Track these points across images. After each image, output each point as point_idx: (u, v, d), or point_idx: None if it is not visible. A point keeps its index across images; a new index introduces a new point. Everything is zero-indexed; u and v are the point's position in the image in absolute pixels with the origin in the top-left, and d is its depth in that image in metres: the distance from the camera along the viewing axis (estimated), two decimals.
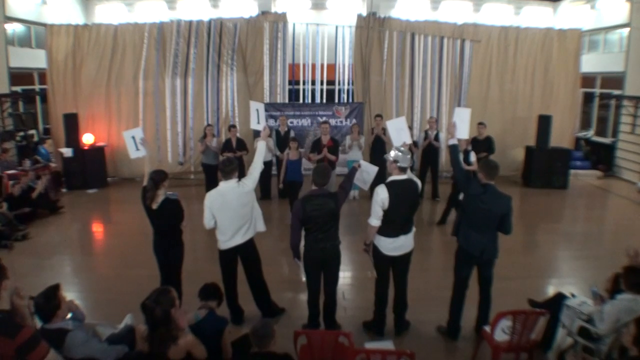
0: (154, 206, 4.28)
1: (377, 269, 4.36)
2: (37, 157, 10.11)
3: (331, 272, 4.32)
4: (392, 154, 4.18)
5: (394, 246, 4.20)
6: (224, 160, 4.55)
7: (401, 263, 4.32)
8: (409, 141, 4.90)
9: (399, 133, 4.89)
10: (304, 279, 4.49)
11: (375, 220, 4.13)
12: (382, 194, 4.04)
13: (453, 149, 4.47)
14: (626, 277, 3.59)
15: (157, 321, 2.87)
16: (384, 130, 9.27)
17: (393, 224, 4.13)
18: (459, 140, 4.60)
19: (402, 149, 4.27)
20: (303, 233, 4.21)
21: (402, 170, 4.15)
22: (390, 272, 4.36)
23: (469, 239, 4.16)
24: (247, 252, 4.55)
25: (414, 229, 4.29)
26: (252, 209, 4.45)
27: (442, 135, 9.65)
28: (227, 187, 4.32)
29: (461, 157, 7.89)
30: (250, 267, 4.63)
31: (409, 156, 4.19)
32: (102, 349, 3.08)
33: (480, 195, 4.05)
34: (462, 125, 4.63)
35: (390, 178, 4.16)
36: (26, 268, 6.15)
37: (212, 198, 4.33)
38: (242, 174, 4.62)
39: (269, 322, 2.99)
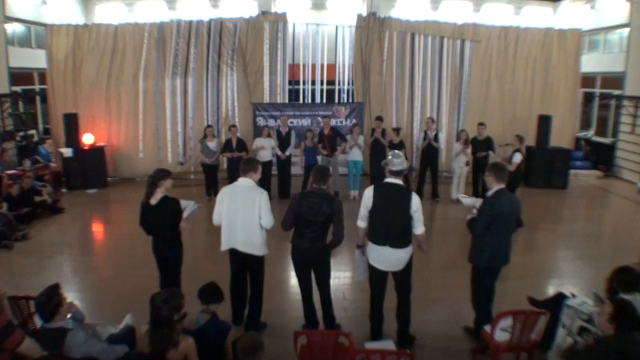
0: (153, 202, 4.27)
1: (369, 279, 4.26)
2: (37, 157, 10.09)
3: (319, 272, 4.34)
4: (387, 157, 4.13)
5: (379, 258, 4.02)
6: (247, 159, 4.51)
7: (397, 279, 4.16)
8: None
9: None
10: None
11: (360, 222, 4.12)
12: (367, 193, 4.04)
13: (471, 222, 4.18)
14: (617, 278, 3.64)
15: (161, 321, 2.88)
16: (384, 131, 9.30)
17: (378, 229, 3.99)
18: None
19: (396, 152, 4.20)
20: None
21: (394, 173, 4.02)
22: (382, 286, 4.18)
23: (497, 255, 4.04)
24: (251, 265, 4.45)
25: (407, 248, 4.00)
26: (258, 213, 4.25)
27: (442, 136, 9.63)
28: (241, 183, 4.29)
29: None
30: (251, 274, 4.55)
31: (399, 160, 4.03)
32: (102, 348, 3.09)
33: (502, 203, 3.94)
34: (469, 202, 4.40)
35: (384, 180, 4.12)
36: (26, 268, 6.16)
37: (224, 192, 4.32)
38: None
39: (255, 335, 2.87)
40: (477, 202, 4.30)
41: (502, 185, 4.00)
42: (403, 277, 4.13)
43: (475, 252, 4.11)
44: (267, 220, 4.25)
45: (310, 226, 4.13)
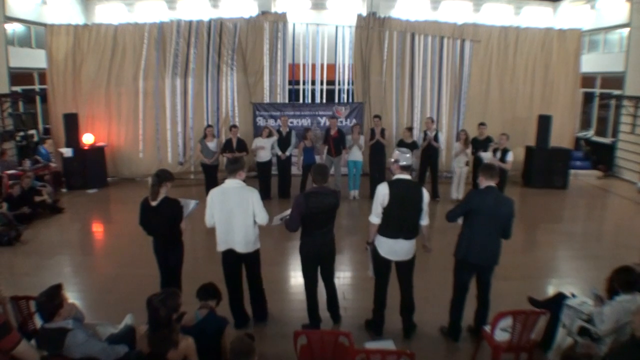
0: (153, 203, 4.27)
1: (375, 270, 4.39)
2: (37, 157, 10.10)
3: (328, 266, 4.44)
4: (394, 154, 4.26)
5: (393, 250, 4.19)
6: (231, 159, 4.51)
7: (402, 268, 4.33)
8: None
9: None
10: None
11: (374, 218, 4.19)
12: (382, 190, 4.11)
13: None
14: (617, 278, 3.65)
15: (160, 322, 2.88)
16: (383, 131, 9.31)
17: (393, 223, 4.13)
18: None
19: (402, 148, 4.35)
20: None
21: (404, 169, 4.18)
22: (388, 275, 4.37)
23: (472, 250, 4.12)
24: (249, 261, 4.48)
25: (415, 238, 4.26)
26: (252, 213, 4.30)
27: (442, 136, 9.62)
28: (230, 184, 4.30)
29: (498, 154, 8.24)
30: (249, 271, 4.58)
31: (408, 155, 4.21)
32: (102, 348, 3.09)
33: (486, 198, 4.04)
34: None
35: (394, 177, 4.23)
36: (26, 268, 6.16)
37: (213, 195, 4.31)
38: None
39: (247, 339, 2.88)
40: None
41: (491, 184, 4.11)
42: (409, 266, 4.34)
43: (457, 243, 4.29)
44: (263, 217, 4.33)
45: (320, 223, 4.19)
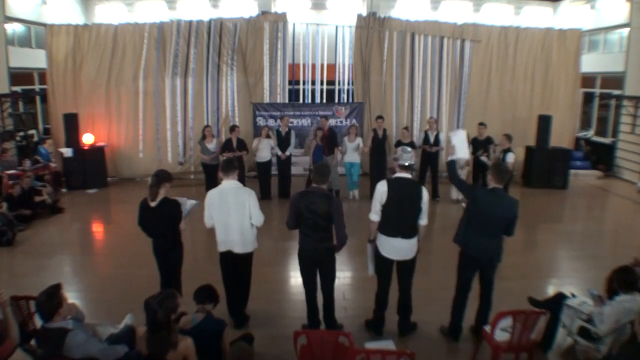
0: (153, 204, 4.27)
1: (377, 269, 4.39)
2: (37, 157, 10.10)
3: (326, 272, 4.34)
4: (397, 152, 4.29)
5: (392, 248, 4.19)
6: (225, 160, 4.53)
7: (402, 268, 4.32)
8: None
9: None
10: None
11: (373, 215, 4.23)
12: (381, 188, 4.15)
13: (450, 165, 4.48)
14: (617, 278, 3.66)
15: (158, 324, 2.88)
16: (385, 131, 9.29)
17: (391, 221, 4.14)
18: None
19: (405, 147, 4.37)
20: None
21: (404, 168, 4.19)
22: (390, 274, 4.35)
23: (476, 244, 4.12)
24: (242, 261, 4.50)
25: (416, 237, 4.24)
26: (249, 213, 4.32)
27: (442, 136, 9.64)
28: (228, 185, 4.32)
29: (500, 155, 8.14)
30: (240, 270, 4.56)
31: (408, 155, 4.22)
32: (102, 348, 3.08)
33: (489, 198, 4.03)
34: (461, 146, 4.78)
35: (394, 175, 4.25)
36: (26, 268, 6.16)
37: (211, 196, 4.34)
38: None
39: (245, 345, 2.89)
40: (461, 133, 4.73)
41: (498, 186, 4.09)
42: (410, 266, 4.33)
43: (457, 230, 4.26)
44: (258, 218, 4.36)
45: (311, 226, 4.13)
